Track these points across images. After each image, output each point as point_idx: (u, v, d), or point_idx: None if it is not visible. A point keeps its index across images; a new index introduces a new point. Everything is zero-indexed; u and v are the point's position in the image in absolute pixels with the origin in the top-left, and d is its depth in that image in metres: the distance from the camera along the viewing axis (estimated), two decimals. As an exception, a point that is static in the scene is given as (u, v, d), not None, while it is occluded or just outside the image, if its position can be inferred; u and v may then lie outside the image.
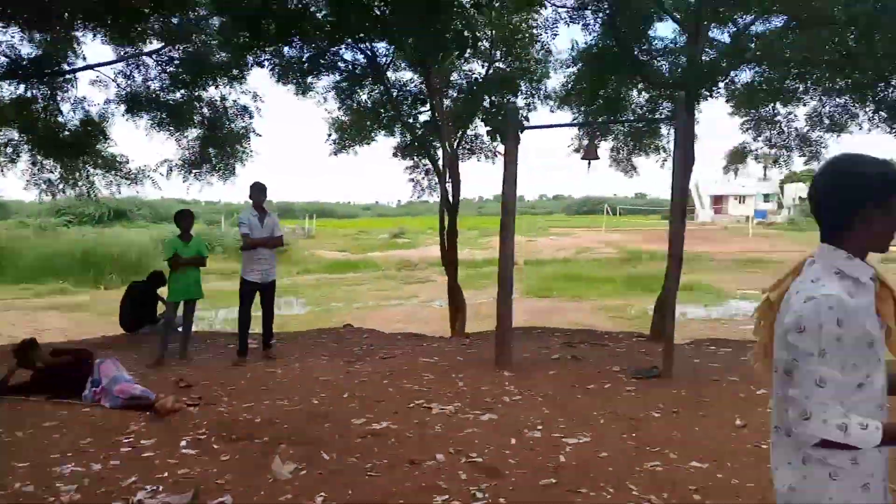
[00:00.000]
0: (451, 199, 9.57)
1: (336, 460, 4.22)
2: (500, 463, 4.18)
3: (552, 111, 9.89)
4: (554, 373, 6.52)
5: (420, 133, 9.88)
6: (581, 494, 3.74)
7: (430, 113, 9.44)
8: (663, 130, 9.47)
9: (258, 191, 7.12)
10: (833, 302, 1.54)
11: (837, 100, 8.97)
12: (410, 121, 9.95)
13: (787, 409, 1.60)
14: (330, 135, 10.46)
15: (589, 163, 6.49)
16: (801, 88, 8.92)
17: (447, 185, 9.47)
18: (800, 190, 50.81)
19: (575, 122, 9.05)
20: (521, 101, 9.49)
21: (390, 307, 15.48)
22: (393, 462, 4.17)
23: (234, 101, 10.29)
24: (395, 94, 9.75)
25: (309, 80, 9.40)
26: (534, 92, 9.48)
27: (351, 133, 10.24)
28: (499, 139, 8.47)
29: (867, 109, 8.74)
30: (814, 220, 1.74)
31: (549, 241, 37.81)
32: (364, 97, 10.05)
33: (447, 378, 6.29)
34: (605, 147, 9.88)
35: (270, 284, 7.20)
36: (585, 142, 8.80)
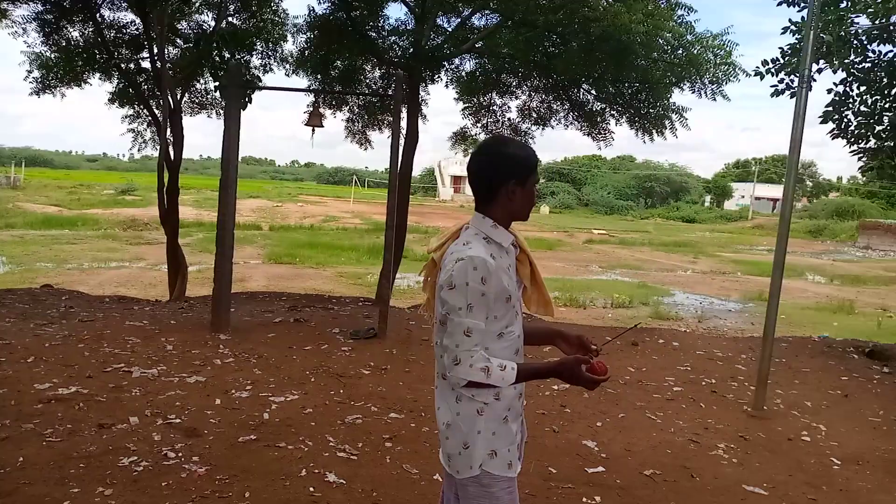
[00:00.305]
0: (171, 154, 8.97)
1: (8, 427, 3.85)
2: (201, 423, 4.15)
3: (288, 75, 9.75)
4: (273, 335, 6.56)
5: (139, 81, 9.06)
6: (279, 448, 3.88)
7: (149, 60, 8.72)
8: (396, 107, 9.85)
9: None
10: (478, 263, 1.74)
11: (543, 97, 10.14)
12: (131, 66, 9.07)
13: (442, 355, 1.84)
14: (31, 72, 9.09)
15: (313, 130, 6.61)
16: (514, 83, 9.97)
17: (168, 138, 8.87)
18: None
19: (306, 88, 9.01)
20: (256, 61, 9.20)
21: (109, 269, 14.09)
22: (78, 427, 3.93)
23: None
24: (110, 35, 8.81)
25: (3, 5, 8.08)
26: (271, 53, 9.24)
27: (57, 73, 8.98)
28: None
29: (564, 108, 10.07)
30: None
31: (297, 207, 37.49)
32: (75, 34, 8.91)
33: (155, 341, 6.00)
34: (340, 118, 10.02)
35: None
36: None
